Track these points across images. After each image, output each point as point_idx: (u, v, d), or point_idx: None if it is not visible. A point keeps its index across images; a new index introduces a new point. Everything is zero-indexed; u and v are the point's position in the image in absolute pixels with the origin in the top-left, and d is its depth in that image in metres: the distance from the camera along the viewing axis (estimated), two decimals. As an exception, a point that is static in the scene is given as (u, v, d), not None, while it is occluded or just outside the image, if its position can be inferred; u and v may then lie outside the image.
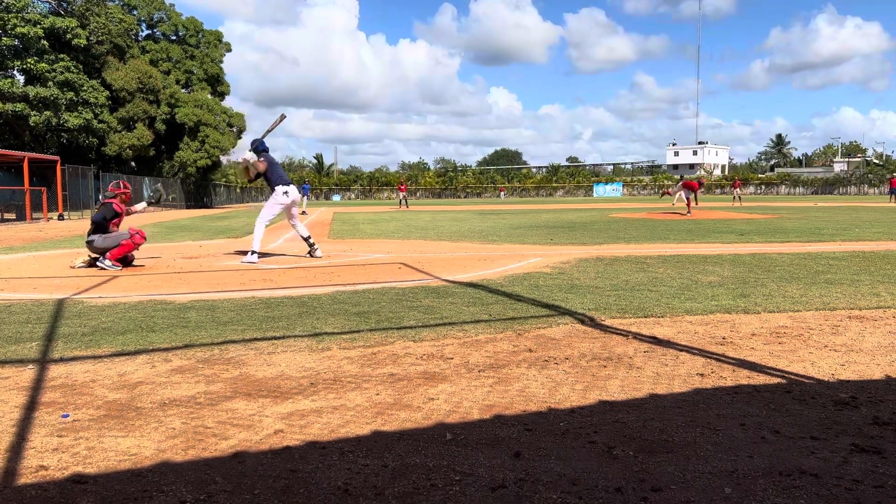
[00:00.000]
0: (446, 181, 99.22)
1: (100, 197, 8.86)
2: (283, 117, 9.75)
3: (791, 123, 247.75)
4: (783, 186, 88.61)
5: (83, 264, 8.19)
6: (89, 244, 8.31)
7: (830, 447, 2.42)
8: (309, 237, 9.51)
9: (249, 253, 8.97)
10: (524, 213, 28.53)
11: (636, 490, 2.10)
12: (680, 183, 24.78)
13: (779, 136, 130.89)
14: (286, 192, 9.24)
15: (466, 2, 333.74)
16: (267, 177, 9.26)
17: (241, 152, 9.89)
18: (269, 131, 9.58)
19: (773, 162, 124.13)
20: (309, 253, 9.40)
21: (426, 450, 2.43)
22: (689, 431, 2.59)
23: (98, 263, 8.06)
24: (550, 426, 2.66)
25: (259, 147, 9.36)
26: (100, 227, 8.31)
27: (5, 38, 34.43)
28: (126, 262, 8.27)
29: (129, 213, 8.86)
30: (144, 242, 8.47)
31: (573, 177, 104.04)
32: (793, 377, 3.31)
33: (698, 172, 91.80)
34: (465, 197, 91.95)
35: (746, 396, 3.01)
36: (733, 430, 2.59)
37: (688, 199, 23.35)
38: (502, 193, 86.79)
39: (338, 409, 2.87)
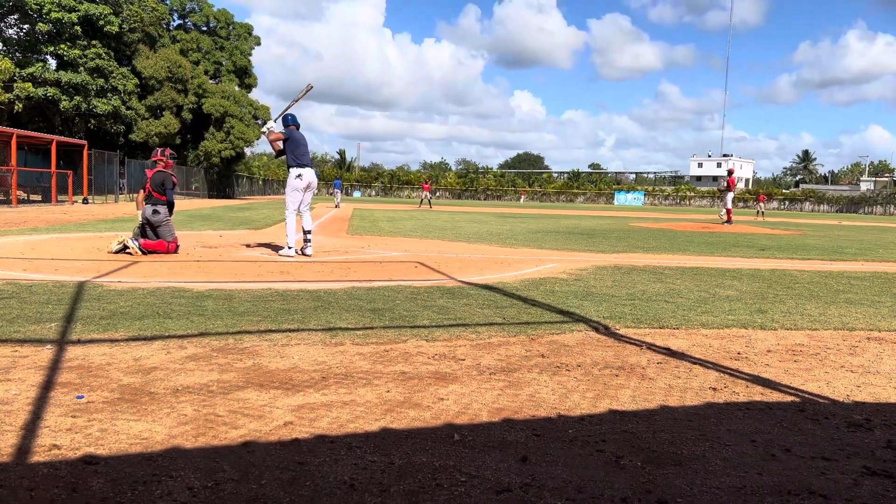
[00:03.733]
0: (467, 182, 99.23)
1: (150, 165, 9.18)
2: (310, 87, 9.11)
3: (818, 139, 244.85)
4: (807, 203, 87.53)
5: (119, 247, 8.28)
6: (155, 213, 8.60)
7: (841, 469, 2.39)
8: (309, 232, 8.94)
9: (286, 247, 8.80)
10: (544, 217, 28.45)
11: (642, 501, 2.09)
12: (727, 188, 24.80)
13: (805, 152, 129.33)
14: (299, 175, 8.71)
15: (490, 3, 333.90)
16: (285, 154, 8.77)
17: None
18: (295, 101, 9.06)
19: (798, 178, 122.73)
20: (301, 249, 8.88)
21: (433, 449, 2.44)
22: (699, 445, 2.57)
23: (128, 241, 8.21)
24: (559, 432, 2.66)
25: (287, 120, 8.88)
26: (169, 191, 8.86)
27: (40, 24, 35.00)
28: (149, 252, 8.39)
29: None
30: (174, 253, 8.58)
31: (595, 184, 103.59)
32: (807, 396, 3.27)
33: (722, 184, 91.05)
34: (485, 199, 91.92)
35: (759, 413, 2.98)
36: (743, 447, 2.57)
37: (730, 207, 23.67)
38: (523, 197, 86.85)
39: (348, 405, 2.89)
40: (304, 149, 8.83)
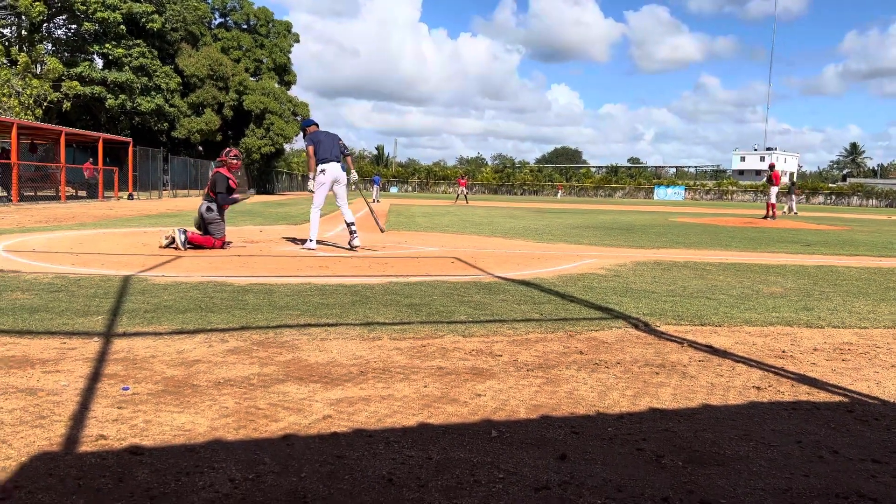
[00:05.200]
0: (503, 177, 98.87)
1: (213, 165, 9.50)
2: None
3: (866, 132, 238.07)
4: (855, 197, 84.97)
5: (168, 242, 8.50)
6: (209, 210, 8.83)
7: (892, 472, 2.32)
8: (352, 223, 9.20)
9: (308, 240, 9.13)
10: (581, 212, 28.19)
11: (683, 501, 2.05)
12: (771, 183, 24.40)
13: (853, 145, 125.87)
14: (322, 171, 9.03)
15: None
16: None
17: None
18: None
19: (845, 171, 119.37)
20: (349, 242, 9.18)
21: (471, 445, 2.43)
22: (743, 445, 2.52)
23: (177, 234, 8.44)
24: (598, 430, 2.63)
25: (304, 123, 9.48)
26: (220, 194, 9.03)
27: (87, 24, 35.93)
28: (194, 246, 8.56)
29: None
30: (220, 249, 8.75)
31: (634, 178, 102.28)
32: (855, 396, 3.18)
33: (763, 179, 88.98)
34: (521, 194, 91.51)
35: (805, 413, 2.91)
36: (789, 447, 2.51)
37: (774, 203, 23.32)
38: (560, 192, 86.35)
39: (386, 399, 2.90)
40: (326, 145, 9.11)
